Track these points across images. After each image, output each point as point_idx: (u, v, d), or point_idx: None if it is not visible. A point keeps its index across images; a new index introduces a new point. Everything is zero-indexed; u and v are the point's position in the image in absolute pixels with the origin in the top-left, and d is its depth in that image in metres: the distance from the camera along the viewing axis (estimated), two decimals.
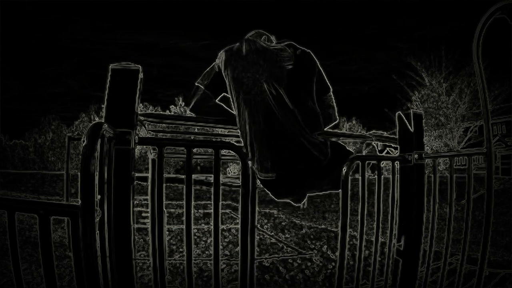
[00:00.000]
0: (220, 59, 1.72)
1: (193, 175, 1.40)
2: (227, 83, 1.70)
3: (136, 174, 1.46)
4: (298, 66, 1.71)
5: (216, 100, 1.80)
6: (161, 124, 1.68)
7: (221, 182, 1.40)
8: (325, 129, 1.84)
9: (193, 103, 1.77)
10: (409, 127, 1.93)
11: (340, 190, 1.66)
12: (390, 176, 1.91)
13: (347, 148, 1.79)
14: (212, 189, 1.39)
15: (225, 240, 3.90)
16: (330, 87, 1.86)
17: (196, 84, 1.79)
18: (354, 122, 34.33)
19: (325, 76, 1.83)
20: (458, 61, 20.21)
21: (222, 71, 1.71)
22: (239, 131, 1.70)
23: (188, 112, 1.84)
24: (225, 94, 1.79)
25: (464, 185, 1.78)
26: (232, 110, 1.76)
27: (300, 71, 1.71)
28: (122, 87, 1.34)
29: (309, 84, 1.75)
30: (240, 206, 1.37)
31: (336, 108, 1.91)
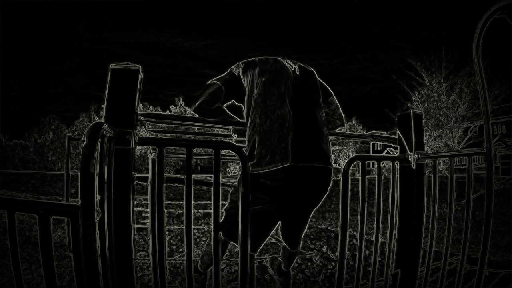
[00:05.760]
0: (250, 68, 1.84)
1: (193, 175, 1.39)
2: (259, 83, 1.78)
3: (136, 174, 1.46)
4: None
5: (221, 105, 1.86)
6: (161, 124, 1.68)
7: (221, 182, 1.40)
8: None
9: (203, 97, 1.79)
10: (409, 127, 1.93)
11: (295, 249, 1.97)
12: (390, 176, 1.91)
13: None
14: (212, 189, 1.39)
15: None
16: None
17: (209, 82, 1.83)
18: (354, 122, 34.33)
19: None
20: (458, 61, 20.21)
21: (254, 77, 1.80)
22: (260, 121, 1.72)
23: (190, 111, 1.87)
24: (234, 101, 1.89)
25: (464, 185, 1.78)
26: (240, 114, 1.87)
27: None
28: (122, 87, 1.34)
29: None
30: (240, 206, 1.37)
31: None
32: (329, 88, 2.01)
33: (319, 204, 1.82)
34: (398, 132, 1.98)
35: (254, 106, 1.75)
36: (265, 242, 1.82)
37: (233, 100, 1.89)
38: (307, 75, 1.89)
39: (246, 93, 1.81)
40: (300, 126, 1.71)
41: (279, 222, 1.86)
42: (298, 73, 1.85)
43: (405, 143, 1.92)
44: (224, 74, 1.88)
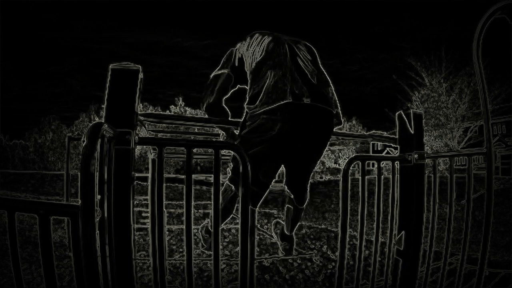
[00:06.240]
0: (245, 41, 1.90)
1: (193, 175, 1.39)
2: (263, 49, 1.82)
3: (136, 174, 1.46)
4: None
5: (231, 89, 1.93)
6: (161, 124, 1.69)
7: (221, 182, 1.40)
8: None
9: (214, 95, 1.82)
10: (409, 127, 1.93)
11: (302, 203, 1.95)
12: (390, 176, 1.91)
13: None
14: (212, 189, 1.39)
15: (225, 240, 3.89)
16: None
17: (214, 74, 1.85)
18: (354, 122, 34.34)
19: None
20: (458, 61, 20.20)
21: (251, 44, 1.86)
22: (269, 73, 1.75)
23: (202, 112, 1.89)
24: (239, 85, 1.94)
25: (464, 185, 1.78)
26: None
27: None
28: (122, 87, 1.34)
29: None
30: (240, 206, 1.37)
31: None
32: (329, 79, 2.01)
33: (322, 154, 1.85)
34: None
35: (253, 61, 1.80)
36: (265, 196, 1.83)
37: (238, 85, 1.92)
38: (306, 45, 1.95)
39: (247, 59, 1.85)
40: (299, 71, 1.76)
41: (281, 213, 1.87)
42: (295, 40, 1.93)
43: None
44: (225, 57, 1.92)
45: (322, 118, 1.75)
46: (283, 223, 2.20)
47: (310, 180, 1.92)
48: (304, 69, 1.78)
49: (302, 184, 1.91)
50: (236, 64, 1.88)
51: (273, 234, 2.35)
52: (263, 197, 1.81)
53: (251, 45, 1.85)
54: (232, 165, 1.80)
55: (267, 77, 1.72)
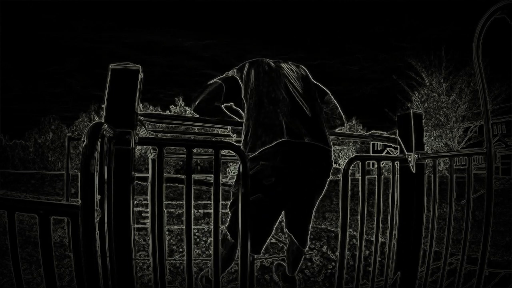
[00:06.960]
0: (243, 67, 1.90)
1: (193, 175, 1.39)
2: (255, 77, 1.83)
3: (136, 174, 1.46)
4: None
5: (221, 104, 1.90)
6: (161, 124, 1.68)
7: (221, 182, 1.40)
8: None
9: (203, 96, 1.82)
10: (409, 127, 1.94)
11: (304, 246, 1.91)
12: (390, 176, 1.91)
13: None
14: (212, 189, 1.39)
15: None
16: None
17: (208, 82, 1.86)
18: (354, 122, 34.32)
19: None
20: (458, 61, 20.20)
21: (248, 72, 1.86)
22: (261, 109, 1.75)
23: (190, 111, 1.88)
24: (233, 104, 1.92)
25: (464, 185, 1.78)
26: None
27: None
28: (122, 87, 1.34)
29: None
30: (240, 206, 1.37)
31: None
32: (324, 88, 2.03)
33: (322, 193, 1.81)
34: (398, 136, 1.98)
35: (250, 96, 1.79)
36: (268, 242, 1.80)
37: (231, 103, 1.90)
38: (300, 69, 1.96)
39: (243, 89, 1.84)
40: (295, 107, 1.74)
41: (282, 217, 1.84)
42: (290, 66, 1.94)
43: (403, 147, 1.92)
44: (222, 76, 1.91)
45: (321, 158, 1.73)
46: (284, 264, 2.18)
47: (312, 221, 1.89)
48: (300, 102, 1.76)
49: (304, 226, 1.87)
50: (231, 77, 1.88)
51: (275, 276, 2.32)
52: (266, 243, 1.78)
53: (246, 75, 1.84)
54: (230, 213, 1.76)
55: (263, 115, 1.71)
